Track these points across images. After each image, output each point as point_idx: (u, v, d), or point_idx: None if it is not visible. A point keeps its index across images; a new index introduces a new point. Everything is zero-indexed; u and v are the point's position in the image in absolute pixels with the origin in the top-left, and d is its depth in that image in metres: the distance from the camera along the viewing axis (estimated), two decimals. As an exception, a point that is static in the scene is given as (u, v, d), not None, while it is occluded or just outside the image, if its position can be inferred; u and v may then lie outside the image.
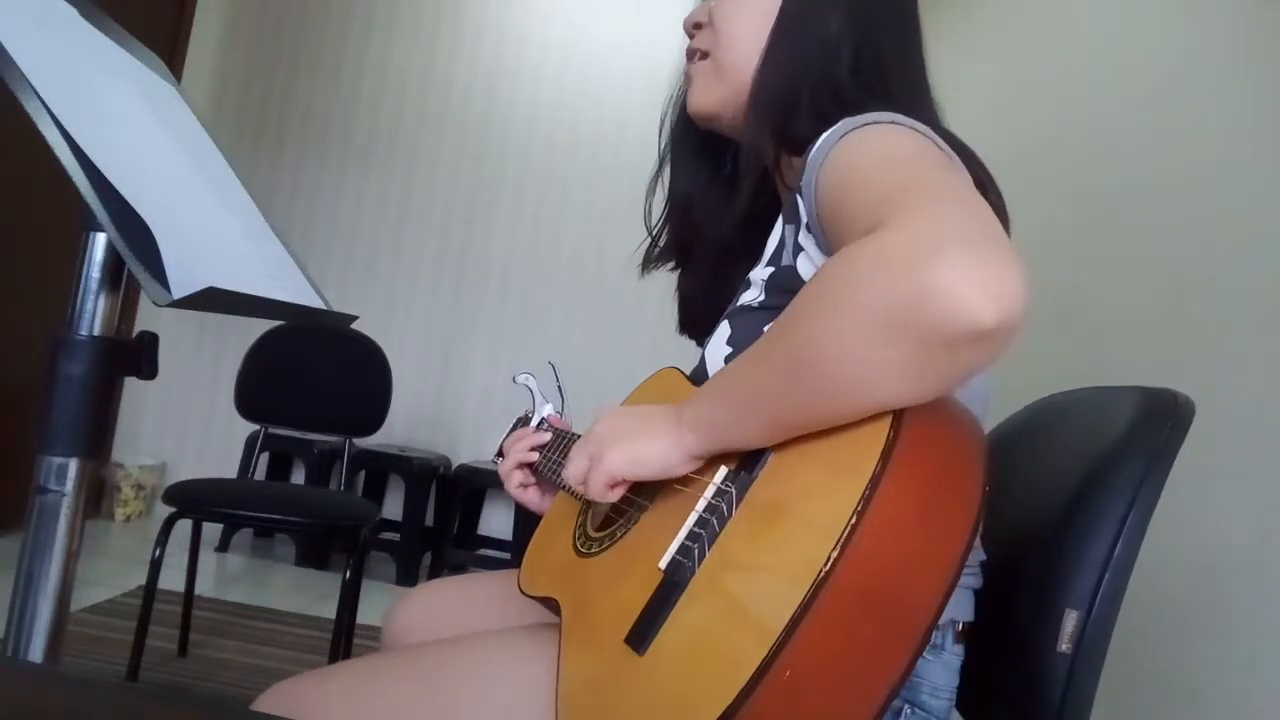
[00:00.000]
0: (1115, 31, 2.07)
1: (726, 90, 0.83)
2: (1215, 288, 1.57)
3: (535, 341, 3.57)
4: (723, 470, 0.63)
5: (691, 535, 0.61)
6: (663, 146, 0.95)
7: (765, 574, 0.53)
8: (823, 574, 0.48)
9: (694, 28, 0.88)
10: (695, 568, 0.58)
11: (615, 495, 0.68)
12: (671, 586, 0.59)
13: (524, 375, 1.06)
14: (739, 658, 0.49)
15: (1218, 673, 1.42)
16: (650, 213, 0.96)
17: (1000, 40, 2.69)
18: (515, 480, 0.97)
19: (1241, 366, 1.47)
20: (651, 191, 0.95)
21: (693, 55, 0.87)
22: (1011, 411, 0.86)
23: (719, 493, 0.62)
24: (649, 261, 0.97)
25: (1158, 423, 0.64)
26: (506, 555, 3.40)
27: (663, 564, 0.61)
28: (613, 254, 3.56)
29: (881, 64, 0.79)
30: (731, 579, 0.55)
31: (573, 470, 0.70)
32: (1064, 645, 0.60)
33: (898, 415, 0.53)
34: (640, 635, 0.58)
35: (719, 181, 0.91)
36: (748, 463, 0.61)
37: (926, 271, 0.47)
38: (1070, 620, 0.60)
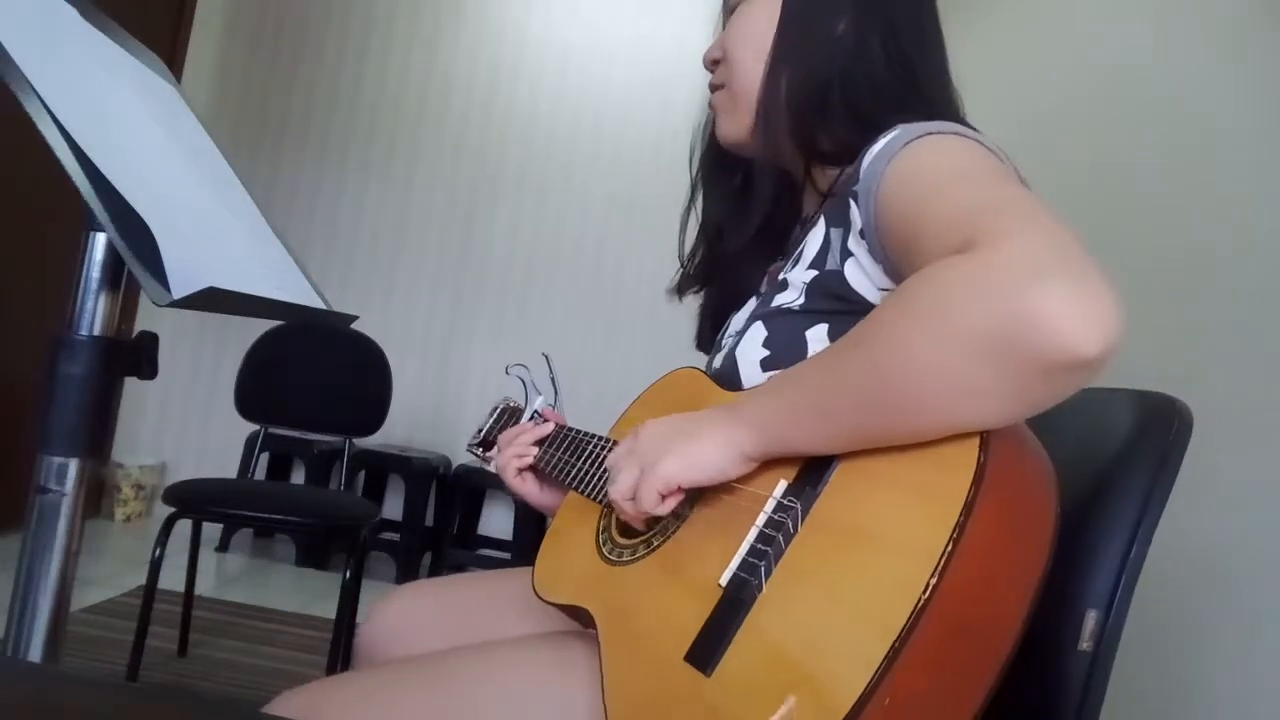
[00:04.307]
0: (1113, 32, 2.07)
1: (748, 117, 0.82)
2: (1213, 286, 1.57)
3: (536, 341, 3.57)
4: (782, 483, 0.61)
5: (754, 551, 0.59)
6: (694, 176, 0.95)
7: (852, 601, 0.52)
8: (923, 600, 0.48)
9: (712, 64, 0.87)
10: (762, 586, 0.56)
11: (667, 507, 0.64)
12: (735, 604, 0.57)
13: (517, 367, 1.05)
14: (837, 683, 0.48)
15: (1216, 671, 1.42)
16: (684, 243, 0.95)
17: (996, 41, 2.69)
18: (513, 470, 0.95)
19: (1239, 365, 1.47)
20: (685, 222, 0.95)
21: (714, 89, 0.87)
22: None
23: (781, 508, 0.60)
24: (683, 288, 0.96)
25: (1162, 427, 0.65)
26: (507, 555, 3.40)
27: (724, 580, 0.59)
28: (614, 253, 3.56)
29: (905, 59, 0.78)
30: (811, 600, 0.54)
31: (621, 486, 0.66)
32: (1085, 644, 0.62)
33: (984, 439, 0.52)
34: (705, 654, 0.56)
35: (735, 195, 0.90)
36: (809, 477, 0.60)
37: (1031, 298, 0.47)
38: (1090, 619, 0.62)
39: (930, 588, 0.48)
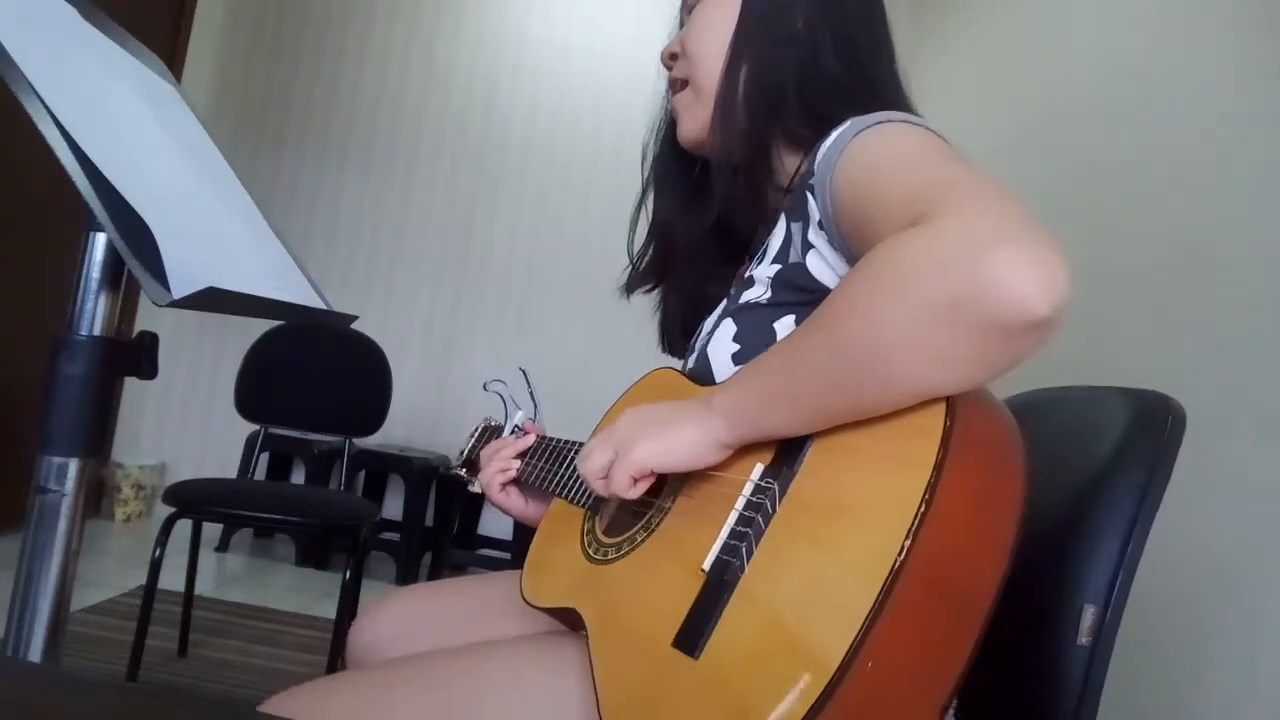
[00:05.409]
0: (1111, 29, 2.07)
1: (708, 113, 0.82)
2: (1212, 286, 1.57)
3: (536, 341, 3.57)
4: (758, 467, 0.62)
5: (735, 534, 0.60)
6: (646, 175, 0.95)
7: (833, 568, 0.53)
8: (898, 563, 0.49)
9: (670, 59, 0.88)
10: (744, 566, 0.57)
11: (638, 491, 0.66)
12: (719, 587, 0.57)
13: (495, 383, 1.05)
14: (818, 651, 0.49)
15: (1216, 671, 1.42)
16: (634, 240, 0.96)
17: (995, 41, 2.69)
18: (496, 485, 0.95)
19: (1239, 365, 1.47)
20: (635, 220, 0.96)
21: (674, 86, 0.88)
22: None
23: (759, 490, 0.61)
24: (632, 286, 0.98)
25: (1156, 423, 0.65)
26: (507, 555, 3.40)
27: (706, 565, 0.59)
28: (614, 253, 3.55)
29: (858, 57, 0.79)
30: (792, 574, 0.54)
31: (593, 465, 0.67)
32: (1084, 639, 0.62)
33: (949, 403, 0.54)
34: (691, 638, 0.56)
35: (691, 192, 0.91)
36: (784, 459, 0.61)
37: (984, 263, 0.49)
38: (1088, 615, 0.63)
39: (905, 549, 0.49)
